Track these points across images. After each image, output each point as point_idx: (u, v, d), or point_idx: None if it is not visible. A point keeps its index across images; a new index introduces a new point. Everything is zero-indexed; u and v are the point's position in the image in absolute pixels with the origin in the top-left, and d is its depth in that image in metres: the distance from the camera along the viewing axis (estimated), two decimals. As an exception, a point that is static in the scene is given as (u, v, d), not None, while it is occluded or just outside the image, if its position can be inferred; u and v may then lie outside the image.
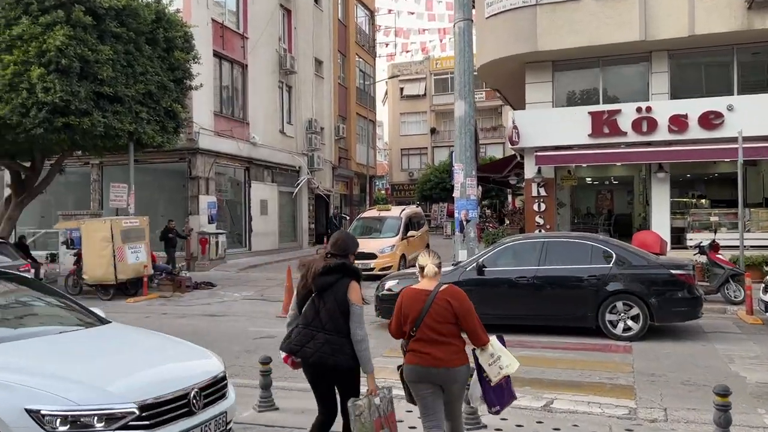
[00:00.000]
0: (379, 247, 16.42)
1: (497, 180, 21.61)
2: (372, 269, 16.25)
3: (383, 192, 53.60)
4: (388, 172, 57.82)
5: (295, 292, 4.38)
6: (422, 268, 4.19)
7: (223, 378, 4.54)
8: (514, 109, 18.66)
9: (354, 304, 4.07)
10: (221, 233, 20.50)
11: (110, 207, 17.18)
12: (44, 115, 13.29)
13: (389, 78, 48.72)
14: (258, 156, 23.46)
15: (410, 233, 17.68)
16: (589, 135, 16.04)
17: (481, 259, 10.05)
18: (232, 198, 22.95)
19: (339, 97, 32.09)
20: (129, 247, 14.58)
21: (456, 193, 13.22)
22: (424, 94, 54.57)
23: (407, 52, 48.47)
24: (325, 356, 4.03)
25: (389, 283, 10.39)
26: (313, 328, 4.11)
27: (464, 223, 13.11)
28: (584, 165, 17.55)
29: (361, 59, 36.06)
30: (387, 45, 47.00)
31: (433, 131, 53.96)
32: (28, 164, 17.11)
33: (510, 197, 29.52)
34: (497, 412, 4.36)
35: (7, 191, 18.24)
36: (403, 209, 18.75)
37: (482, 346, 4.15)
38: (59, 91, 13.10)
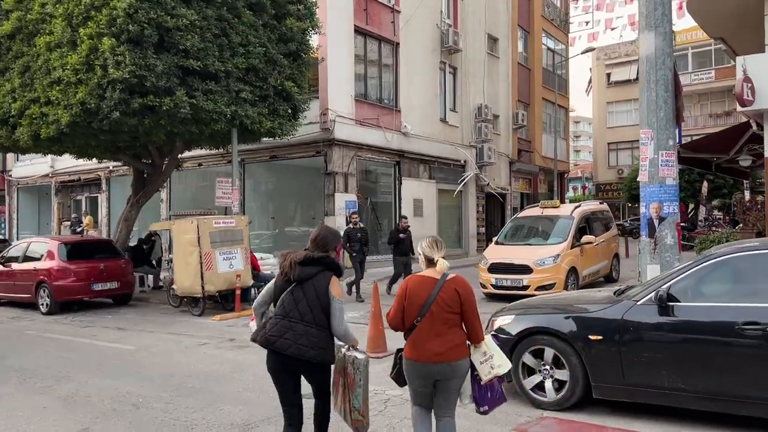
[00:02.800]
0: (537, 257, 11.96)
1: (722, 166, 15.46)
2: (525, 288, 11.86)
3: (580, 191, 47.09)
4: (593, 171, 50.95)
5: (270, 282, 4.35)
6: (430, 261, 4.10)
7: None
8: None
9: (335, 298, 4.09)
10: (359, 237, 17.49)
11: (216, 205, 15.08)
12: (118, 95, 11.34)
13: (584, 52, 42.49)
14: (411, 148, 20.14)
15: (586, 239, 12.89)
16: None
17: (667, 284, 5.47)
18: (379, 197, 19.89)
19: (519, 79, 27.55)
20: (221, 252, 12.09)
21: (642, 176, 8.59)
22: (636, 78, 46.78)
23: (612, 29, 41.76)
24: (304, 348, 4.00)
25: (503, 320, 6.25)
26: (292, 319, 4.05)
27: (655, 222, 8.45)
28: None
29: (549, 35, 31.01)
30: (587, 23, 40.92)
31: (646, 121, 46.03)
32: (149, 161, 15.80)
33: (747, 192, 22.25)
34: (485, 413, 4.28)
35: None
36: (577, 206, 13.91)
37: (477, 344, 4.12)
38: (129, 64, 11.03)
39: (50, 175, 26.35)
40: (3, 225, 29.54)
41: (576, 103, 39.69)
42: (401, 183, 19.87)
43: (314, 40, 16.86)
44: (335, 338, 4.18)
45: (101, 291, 13.24)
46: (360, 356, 4.16)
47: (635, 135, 38.08)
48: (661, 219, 8.38)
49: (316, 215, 18.01)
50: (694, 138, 19.41)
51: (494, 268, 12.37)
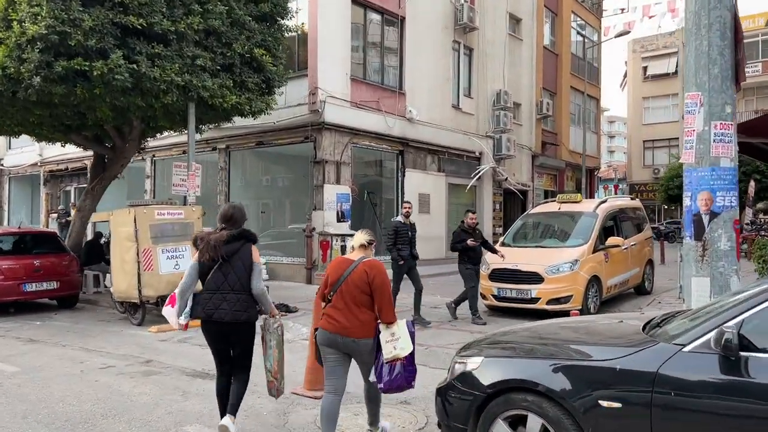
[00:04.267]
0: (550, 262, 9.58)
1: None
2: (533, 300, 9.52)
3: (612, 191, 44.11)
4: (626, 170, 47.89)
5: (193, 264, 4.76)
6: (362, 245, 4.54)
7: None
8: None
9: (256, 263, 4.69)
10: (351, 235, 15.28)
11: (172, 194, 13.03)
12: (38, 56, 9.35)
13: (619, 35, 39.60)
14: (417, 136, 17.86)
15: (612, 240, 10.48)
16: None
17: (737, 319, 3.19)
18: (378, 190, 17.66)
19: (545, 65, 25.00)
20: (164, 249, 10.03)
21: (686, 156, 6.39)
22: (675, 72, 43.81)
23: (650, 17, 38.47)
24: (239, 313, 4.57)
25: (469, 363, 4.00)
26: (223, 291, 4.58)
27: (704, 219, 6.27)
28: None
29: (579, 18, 28.33)
30: (623, 10, 38.02)
31: (686, 117, 42.87)
32: (110, 145, 13.87)
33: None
34: (382, 390, 4.40)
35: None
36: (602, 201, 11.42)
37: (387, 324, 4.32)
38: (47, 17, 9.02)
39: (39, 164, 24.76)
40: (-5, 216, 28.16)
41: (611, 101, 36.68)
42: (404, 175, 17.59)
43: (300, 4, 14.77)
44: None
45: (35, 292, 11.30)
46: (272, 321, 4.79)
47: (673, 132, 35.05)
48: (713, 214, 6.11)
49: (306, 210, 15.87)
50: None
51: (497, 276, 10.04)
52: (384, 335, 4.31)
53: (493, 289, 10.05)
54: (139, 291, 9.75)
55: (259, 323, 4.81)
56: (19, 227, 12.85)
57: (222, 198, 17.48)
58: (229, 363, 4.77)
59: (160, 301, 10.35)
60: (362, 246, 4.50)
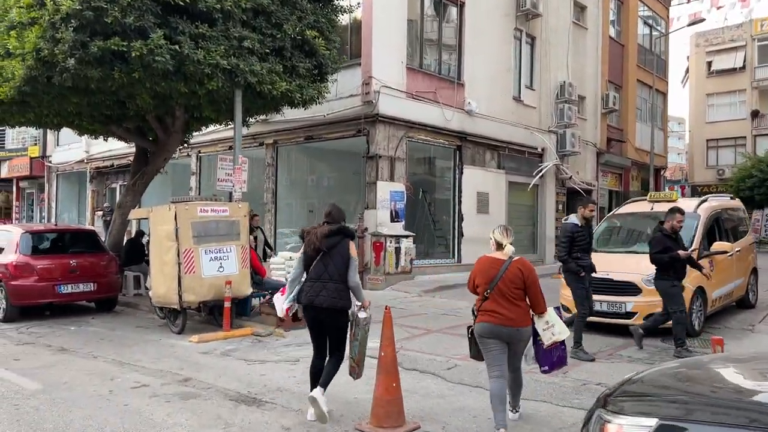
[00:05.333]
0: (648, 271, 8.12)
1: None
2: (628, 315, 8.16)
3: (678, 192, 41.67)
4: (687, 171, 45.37)
5: (299, 256, 5.35)
6: (500, 245, 4.92)
7: None
8: None
9: (353, 258, 5.18)
10: (406, 236, 14.16)
11: (217, 190, 12.09)
12: (71, 35, 8.50)
13: (692, 24, 37.56)
14: (476, 130, 16.56)
15: (718, 246, 9.00)
16: None
17: None
18: (432, 188, 16.44)
19: (611, 55, 23.30)
20: (207, 250, 9.04)
21: None
22: (743, 67, 41.16)
23: (718, 7, 36.09)
24: (336, 300, 5.06)
25: (637, 425, 2.69)
26: (324, 280, 5.10)
27: None
28: None
29: (646, 6, 26.46)
30: (689, 0, 35.71)
31: (755, 115, 40.17)
32: (152, 138, 13.06)
33: None
34: (546, 372, 5.24)
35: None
36: (703, 200, 9.90)
37: (540, 314, 4.92)
38: (81, -8, 8.16)
39: (85, 160, 24.41)
40: (43, 213, 28.05)
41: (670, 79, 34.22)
42: (462, 172, 16.31)
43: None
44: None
45: (71, 294, 10.50)
46: (361, 315, 5.17)
47: (740, 131, 32.60)
48: None
49: (357, 209, 14.78)
50: None
51: (583, 285, 8.68)
52: (539, 324, 4.94)
53: (578, 300, 8.71)
54: (180, 296, 8.78)
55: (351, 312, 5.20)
56: (56, 224, 12.10)
57: (269, 196, 16.55)
58: (325, 347, 5.26)
59: (203, 307, 9.44)
60: (502, 244, 4.92)
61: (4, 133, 29.50)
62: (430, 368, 6.93)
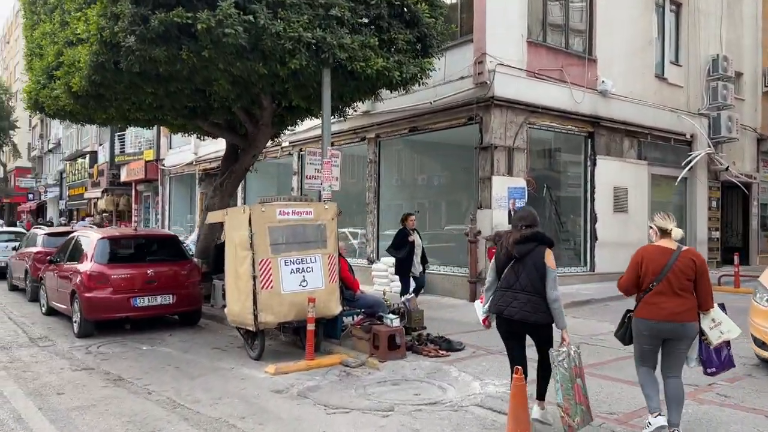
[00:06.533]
0: None
1: None
2: None
3: None
4: None
5: (492, 262, 4.99)
6: (664, 231, 4.57)
7: None
8: None
9: (550, 268, 4.65)
10: (529, 241, 11.94)
11: (306, 190, 10.55)
12: (130, 8, 7.27)
13: None
14: (611, 114, 14.02)
15: None
16: None
17: None
18: (556, 183, 14.07)
19: (773, 24, 19.58)
20: (287, 260, 7.49)
21: None
22: None
23: None
24: (528, 314, 4.60)
25: None
26: (515, 290, 4.69)
27: None
28: None
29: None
30: None
31: None
32: (243, 133, 11.84)
33: None
34: (712, 374, 4.70)
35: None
36: None
37: (706, 311, 4.49)
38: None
39: (194, 162, 24.24)
40: (158, 216, 28.46)
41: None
42: (595, 164, 13.83)
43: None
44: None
45: (147, 308, 9.37)
46: (554, 351, 4.52)
47: None
48: None
49: (468, 209, 12.80)
50: None
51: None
52: (705, 322, 4.52)
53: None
54: (255, 316, 7.29)
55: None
56: (135, 229, 11.17)
57: (371, 195, 14.95)
58: (520, 361, 4.78)
59: (283, 328, 7.92)
60: (667, 230, 4.56)
61: (124, 138, 30.39)
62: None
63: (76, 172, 39.13)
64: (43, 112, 11.41)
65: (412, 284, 10.42)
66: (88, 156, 36.07)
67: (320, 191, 9.24)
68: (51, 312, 11.01)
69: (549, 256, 4.68)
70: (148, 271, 9.42)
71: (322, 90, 8.77)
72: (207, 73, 8.44)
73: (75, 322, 9.36)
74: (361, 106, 14.26)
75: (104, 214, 32.28)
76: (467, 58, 12.30)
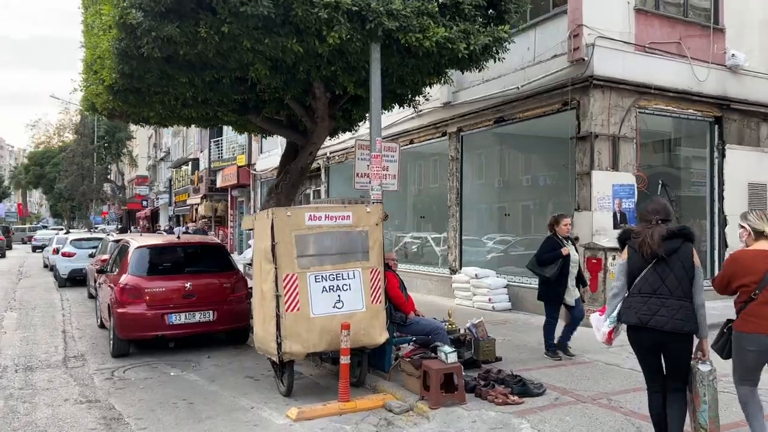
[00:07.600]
0: None
1: None
2: None
3: None
4: None
5: (621, 263, 4.25)
6: (760, 233, 4.10)
7: None
8: None
9: (698, 268, 4.06)
10: (638, 249, 9.78)
11: (356, 190, 9.05)
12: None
13: None
14: (744, 94, 11.49)
15: None
16: None
17: None
18: (674, 179, 11.70)
19: None
20: (317, 276, 6.08)
21: None
22: None
23: None
24: (681, 322, 3.97)
25: None
26: (661, 296, 4.02)
27: None
28: None
29: None
30: None
31: None
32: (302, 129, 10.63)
33: None
34: None
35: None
36: None
37: None
38: None
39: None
40: (250, 221, 28.25)
41: None
42: (723, 155, 11.36)
43: None
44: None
45: (184, 326, 8.30)
46: (703, 368, 4.06)
47: None
48: None
49: (560, 210, 10.81)
50: None
51: None
52: None
53: None
54: (279, 344, 5.93)
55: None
56: (178, 237, 10.25)
57: (453, 197, 13.29)
58: (659, 379, 4.20)
59: (314, 358, 6.53)
60: (764, 232, 4.10)
61: (220, 143, 30.64)
62: None
63: (181, 179, 40.30)
64: (97, 112, 10.81)
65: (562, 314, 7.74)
66: (190, 163, 36.94)
67: (369, 191, 7.72)
68: (105, 325, 10.36)
69: (695, 254, 4.11)
70: (186, 284, 8.37)
71: (370, 68, 7.29)
72: (237, 56, 7.24)
73: (110, 339, 8.51)
74: (440, 96, 12.71)
75: (203, 220, 32.78)
76: (561, 32, 10.39)
